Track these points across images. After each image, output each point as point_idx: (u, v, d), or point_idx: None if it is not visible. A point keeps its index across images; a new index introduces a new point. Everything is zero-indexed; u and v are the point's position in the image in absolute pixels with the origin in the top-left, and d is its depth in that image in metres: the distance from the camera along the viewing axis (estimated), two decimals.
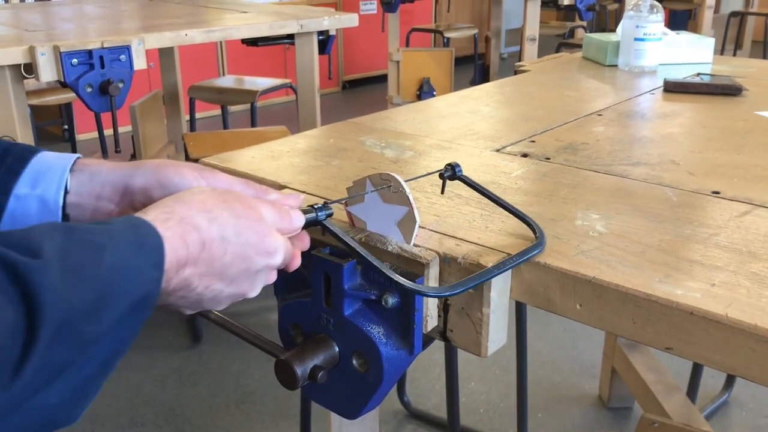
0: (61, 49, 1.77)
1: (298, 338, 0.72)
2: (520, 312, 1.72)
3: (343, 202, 0.71)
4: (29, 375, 0.41)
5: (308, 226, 0.64)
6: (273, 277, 0.62)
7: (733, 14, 5.79)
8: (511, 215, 0.73)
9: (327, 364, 0.68)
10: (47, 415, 0.45)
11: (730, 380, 2.08)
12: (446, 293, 0.60)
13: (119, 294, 0.47)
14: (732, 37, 5.78)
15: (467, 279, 0.60)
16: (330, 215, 0.65)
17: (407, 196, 0.66)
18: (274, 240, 0.59)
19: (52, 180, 0.63)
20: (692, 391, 1.92)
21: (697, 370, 1.93)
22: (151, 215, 0.53)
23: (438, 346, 0.68)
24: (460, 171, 0.76)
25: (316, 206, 0.65)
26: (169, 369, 2.26)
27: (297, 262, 0.63)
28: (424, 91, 4.42)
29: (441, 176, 0.76)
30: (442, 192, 0.78)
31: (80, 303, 0.44)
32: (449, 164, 0.76)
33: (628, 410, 2.05)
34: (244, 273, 0.58)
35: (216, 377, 2.21)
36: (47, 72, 1.78)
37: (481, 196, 0.79)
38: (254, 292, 0.60)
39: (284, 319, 0.73)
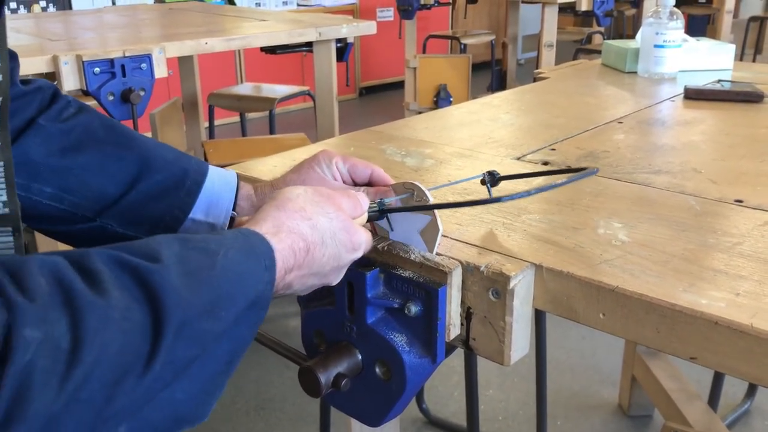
0: (84, 58, 1.80)
1: (321, 346, 0.73)
2: (539, 320, 1.71)
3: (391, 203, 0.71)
4: (158, 368, 0.45)
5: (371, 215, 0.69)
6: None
7: (753, 19, 5.75)
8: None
9: (350, 372, 0.68)
10: (176, 411, 0.48)
11: (752, 389, 2.06)
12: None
13: (235, 294, 0.50)
14: (752, 41, 5.74)
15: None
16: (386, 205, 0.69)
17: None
18: (360, 236, 0.64)
19: (221, 211, 0.76)
20: (713, 400, 1.90)
21: (718, 378, 1.91)
22: (262, 227, 0.57)
23: (456, 353, 0.68)
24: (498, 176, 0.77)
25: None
26: None
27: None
28: (441, 97, 4.42)
29: (483, 183, 0.77)
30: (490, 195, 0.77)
31: (199, 302, 0.48)
32: (489, 171, 0.77)
33: (648, 418, 2.04)
34: (335, 268, 0.63)
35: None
36: (70, 81, 1.81)
37: (503, 204, 0.80)
38: (338, 281, 0.65)
39: (307, 326, 0.73)
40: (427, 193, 0.67)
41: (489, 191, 0.72)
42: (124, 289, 0.45)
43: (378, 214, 0.69)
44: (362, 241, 0.64)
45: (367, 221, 0.68)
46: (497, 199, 0.68)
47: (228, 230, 0.57)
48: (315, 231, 0.60)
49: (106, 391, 0.43)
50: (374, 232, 0.72)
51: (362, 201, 0.67)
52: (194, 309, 0.47)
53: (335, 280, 0.65)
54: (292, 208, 0.60)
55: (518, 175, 0.73)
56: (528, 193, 0.66)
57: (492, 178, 0.77)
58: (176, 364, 0.46)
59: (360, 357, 0.69)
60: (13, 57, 0.69)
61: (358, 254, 0.65)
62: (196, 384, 0.49)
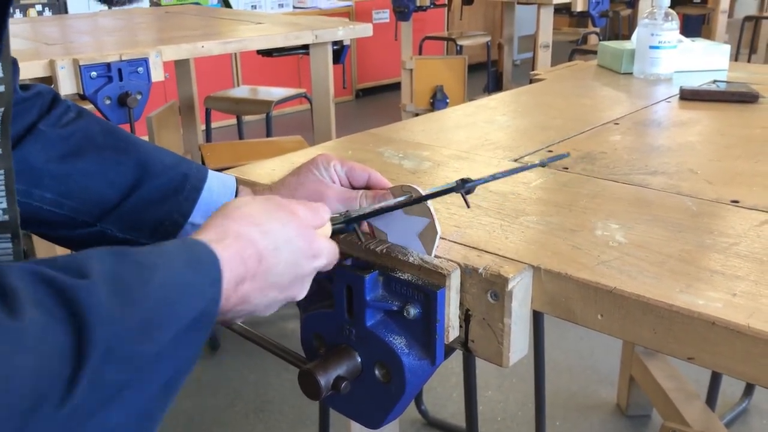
0: (80, 63, 1.80)
1: (320, 349, 0.73)
2: (537, 321, 1.72)
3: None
4: (81, 394, 0.41)
5: (335, 226, 0.67)
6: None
7: (748, 18, 5.76)
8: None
9: (350, 375, 0.68)
10: None
11: (749, 387, 2.07)
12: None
13: (173, 313, 0.47)
14: (746, 41, 5.75)
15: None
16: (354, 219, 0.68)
17: (428, 208, 0.67)
18: (320, 243, 0.62)
19: None
20: (711, 399, 1.91)
21: (716, 378, 1.91)
22: (206, 236, 0.54)
23: (455, 354, 0.68)
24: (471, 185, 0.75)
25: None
26: (187, 378, 2.26)
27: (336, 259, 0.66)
28: (438, 98, 4.43)
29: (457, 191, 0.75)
30: (468, 206, 0.76)
31: (131, 322, 0.44)
32: (461, 179, 0.75)
33: (646, 418, 2.04)
34: (295, 278, 0.60)
35: (234, 386, 2.22)
36: (67, 85, 1.81)
37: (501, 207, 0.80)
38: (303, 294, 0.62)
39: (307, 329, 0.74)
40: (423, 194, 0.67)
41: (465, 201, 0.70)
42: (43, 307, 0.41)
43: (344, 225, 0.68)
44: (323, 248, 0.62)
45: (335, 233, 0.67)
46: (465, 184, 0.67)
47: (172, 241, 0.52)
48: (266, 236, 0.56)
49: (17, 422, 0.39)
50: (372, 234, 0.72)
51: (322, 211, 0.64)
52: (125, 330, 0.43)
53: (300, 293, 0.61)
54: (239, 215, 0.57)
55: (489, 177, 0.70)
56: (494, 177, 0.67)
57: (463, 185, 0.75)
58: (104, 390, 0.43)
59: (359, 359, 0.69)
60: (13, 63, 0.69)
61: (321, 262, 0.62)
62: (130, 410, 0.45)
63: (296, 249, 0.59)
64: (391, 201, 0.69)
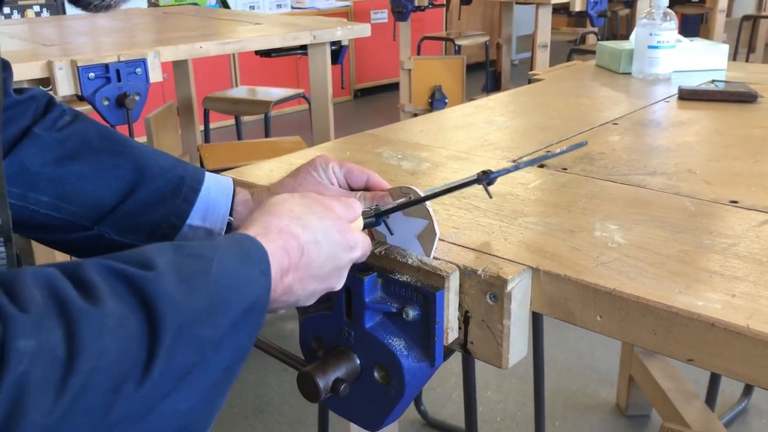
0: (78, 64, 1.80)
1: (319, 351, 0.73)
2: (536, 321, 1.71)
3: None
4: (157, 375, 0.45)
5: (366, 219, 0.68)
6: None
7: (746, 18, 5.76)
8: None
9: (349, 377, 0.68)
10: (179, 422, 0.48)
11: (748, 388, 2.06)
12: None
13: (231, 300, 0.50)
14: (745, 40, 5.75)
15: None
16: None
17: (427, 210, 0.67)
18: (354, 236, 0.64)
19: (218, 216, 0.77)
20: (711, 399, 1.91)
21: (715, 378, 1.91)
22: (252, 231, 0.57)
23: (454, 354, 0.68)
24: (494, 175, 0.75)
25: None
26: None
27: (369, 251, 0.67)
28: (436, 98, 4.43)
29: (478, 182, 0.75)
30: (490, 197, 0.75)
31: (195, 308, 0.48)
32: (483, 171, 0.75)
33: (645, 418, 2.04)
34: (334, 270, 0.62)
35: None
36: (65, 86, 1.81)
37: (499, 208, 0.80)
38: (340, 285, 0.64)
39: (306, 331, 0.74)
40: (422, 195, 0.67)
41: (487, 191, 0.70)
42: (119, 297, 0.45)
43: (375, 219, 0.68)
44: (358, 240, 0.64)
45: (365, 227, 0.68)
46: (487, 177, 0.67)
47: (221, 236, 0.57)
48: (306, 230, 0.59)
49: (105, 400, 0.43)
50: (372, 236, 0.72)
51: (354, 205, 0.66)
52: (190, 315, 0.47)
53: (338, 283, 0.64)
54: (280, 211, 0.60)
55: (512, 168, 0.71)
56: (517, 167, 0.68)
57: (486, 177, 0.75)
58: (175, 371, 0.46)
59: (358, 362, 0.69)
60: (5, 66, 0.69)
61: (356, 254, 0.64)
62: (196, 393, 0.48)
63: (334, 242, 0.61)
64: (420, 193, 0.68)
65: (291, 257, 0.57)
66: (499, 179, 0.68)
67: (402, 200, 0.69)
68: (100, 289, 0.45)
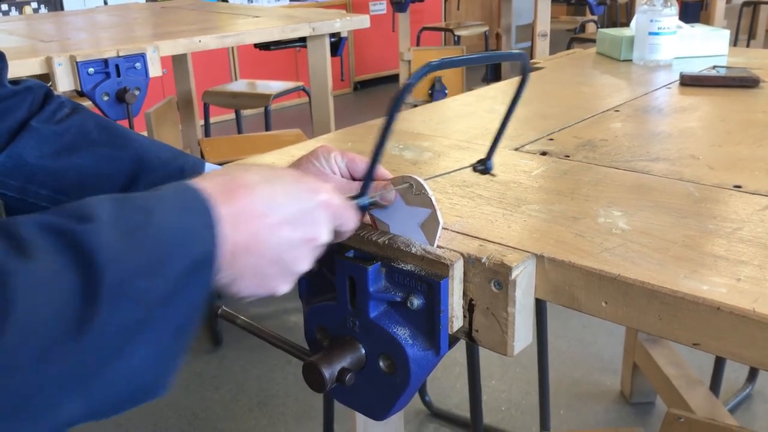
0: (78, 59, 1.80)
1: (324, 341, 0.73)
2: (540, 309, 1.72)
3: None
4: (98, 331, 0.43)
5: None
6: (332, 219, 0.61)
7: (746, 4, 5.74)
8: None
9: (354, 367, 0.68)
10: (133, 380, 0.47)
11: (753, 373, 2.07)
12: None
13: (175, 253, 0.48)
14: (745, 27, 5.73)
15: None
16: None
17: (430, 198, 0.67)
18: (314, 181, 0.60)
19: None
20: (715, 385, 1.91)
21: (719, 364, 1.92)
22: (198, 183, 0.54)
23: (458, 344, 0.68)
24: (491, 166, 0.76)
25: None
26: (191, 373, 2.27)
27: (352, 219, 0.63)
28: (436, 89, 4.42)
29: (474, 170, 0.77)
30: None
31: (137, 261, 0.46)
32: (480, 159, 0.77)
33: (650, 405, 2.05)
34: (303, 213, 0.58)
35: (238, 380, 2.22)
36: (64, 82, 1.81)
37: (502, 196, 0.80)
38: (324, 233, 0.59)
39: (310, 322, 0.73)
40: (425, 185, 0.67)
41: (489, 166, 0.71)
42: (54, 252, 0.43)
43: (365, 202, 0.67)
44: (319, 185, 0.60)
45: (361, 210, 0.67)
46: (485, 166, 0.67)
47: (165, 186, 0.52)
48: (256, 173, 0.56)
49: (38, 357, 0.41)
50: (374, 226, 0.72)
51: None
52: (133, 269, 0.45)
53: (318, 230, 0.58)
54: (230, 167, 0.57)
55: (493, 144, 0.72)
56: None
57: (484, 168, 0.76)
58: (120, 327, 0.45)
59: (363, 351, 0.69)
60: (0, 58, 0.69)
61: (323, 195, 0.59)
62: (149, 350, 0.47)
63: (289, 183, 0.58)
64: (422, 182, 0.67)
65: (240, 200, 0.54)
66: (500, 168, 0.68)
67: (412, 197, 0.68)
68: (33, 244, 0.43)
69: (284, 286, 0.59)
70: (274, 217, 0.55)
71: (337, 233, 0.63)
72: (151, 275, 0.46)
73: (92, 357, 0.44)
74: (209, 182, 0.54)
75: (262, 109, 3.34)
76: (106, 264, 0.44)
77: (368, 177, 0.67)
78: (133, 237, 0.46)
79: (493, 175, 0.73)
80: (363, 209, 0.68)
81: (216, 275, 0.51)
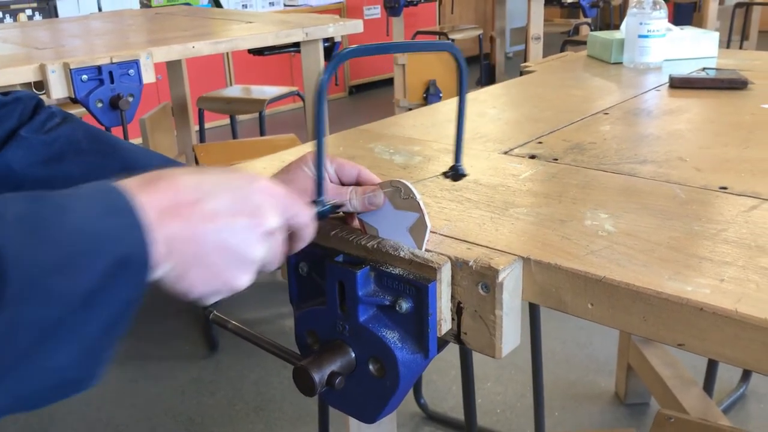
0: (71, 66, 1.80)
1: (314, 345, 0.73)
2: (533, 312, 1.72)
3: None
4: (4, 332, 0.43)
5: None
6: (275, 209, 0.58)
7: (739, 5, 5.76)
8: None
9: (344, 370, 0.69)
10: (59, 376, 0.47)
11: (746, 373, 2.08)
12: None
13: (95, 250, 0.47)
14: (738, 28, 5.75)
15: None
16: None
17: (418, 203, 0.68)
18: (249, 173, 0.58)
19: None
20: (709, 385, 1.92)
21: (713, 364, 1.92)
22: (126, 183, 0.52)
23: (453, 347, 0.69)
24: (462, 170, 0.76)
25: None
26: (187, 379, 2.28)
27: (303, 211, 0.62)
28: (431, 93, 4.43)
29: (445, 176, 0.77)
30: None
31: (49, 259, 0.45)
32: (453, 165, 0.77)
33: (644, 406, 2.05)
34: (239, 198, 0.55)
35: (234, 385, 2.23)
36: (58, 89, 1.81)
37: (490, 199, 0.80)
38: (269, 218, 0.57)
39: (300, 326, 0.74)
40: (413, 189, 0.67)
41: (460, 170, 0.72)
42: None
43: (326, 207, 0.66)
44: (255, 175, 0.58)
45: (320, 217, 0.66)
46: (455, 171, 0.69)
47: (85, 185, 0.51)
48: (185, 171, 0.55)
49: None
50: (364, 231, 0.73)
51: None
52: (42, 267, 0.44)
53: (261, 214, 0.56)
54: (164, 170, 0.55)
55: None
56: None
57: (455, 173, 0.77)
58: (33, 326, 0.44)
59: (353, 355, 0.69)
60: None
61: (261, 182, 0.58)
62: (74, 348, 0.47)
63: (218, 174, 0.56)
64: (411, 186, 0.68)
65: (164, 190, 0.52)
66: (489, 171, 0.68)
67: (399, 201, 0.69)
68: None
69: (242, 278, 0.57)
70: (206, 203, 0.53)
71: (295, 232, 0.62)
72: (66, 274, 0.45)
73: (4, 354, 0.43)
74: (131, 179, 0.52)
75: (256, 115, 3.35)
76: (9, 263, 0.43)
77: (318, 176, 0.66)
78: (44, 235, 0.45)
79: (466, 175, 0.74)
80: (322, 213, 0.66)
81: (151, 271, 0.50)
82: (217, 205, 0.54)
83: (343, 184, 0.76)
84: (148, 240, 0.49)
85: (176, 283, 0.54)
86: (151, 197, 0.51)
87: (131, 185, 0.52)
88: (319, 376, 0.66)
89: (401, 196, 0.69)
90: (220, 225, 0.54)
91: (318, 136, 0.64)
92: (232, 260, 0.55)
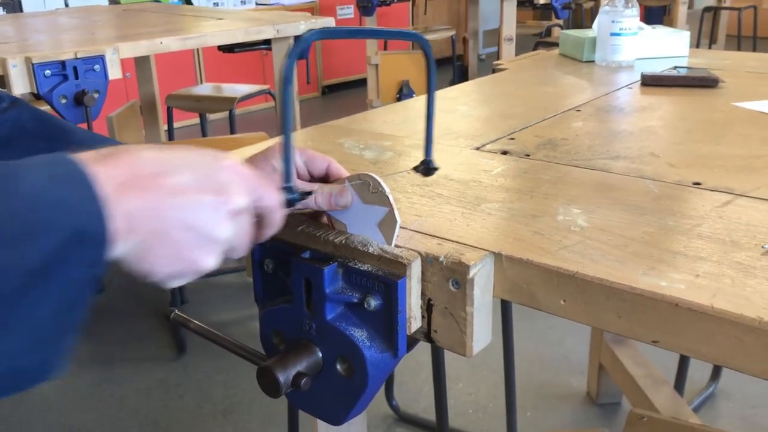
0: (33, 61, 1.75)
1: (280, 345, 0.71)
2: (505, 311, 1.71)
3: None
4: None
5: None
6: (242, 187, 0.55)
7: (707, 9, 5.84)
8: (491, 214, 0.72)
9: (310, 371, 0.66)
10: (11, 362, 0.43)
11: (716, 372, 2.09)
12: None
13: (47, 221, 0.43)
14: (706, 32, 5.83)
15: None
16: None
17: (387, 196, 0.66)
18: (216, 152, 0.55)
19: None
20: (680, 384, 1.93)
21: (683, 363, 1.93)
22: (83, 156, 0.49)
23: (425, 348, 0.68)
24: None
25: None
26: (153, 381, 2.23)
27: (272, 194, 0.59)
28: (404, 93, 4.42)
29: (416, 170, 0.75)
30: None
31: None
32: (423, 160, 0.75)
33: (616, 405, 2.05)
34: (204, 176, 0.52)
35: (202, 388, 2.18)
36: (20, 84, 1.76)
37: (462, 195, 0.79)
38: (237, 196, 0.54)
39: (266, 326, 0.72)
40: (382, 182, 0.65)
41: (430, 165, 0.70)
42: None
43: (296, 195, 0.63)
44: (222, 154, 0.55)
45: (288, 204, 0.63)
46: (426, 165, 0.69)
47: (37, 156, 0.48)
48: (146, 147, 0.51)
49: None
50: (332, 226, 0.71)
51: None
52: None
53: (220, 191, 0.53)
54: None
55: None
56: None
57: (426, 167, 0.75)
58: None
59: (320, 354, 0.67)
60: None
61: (227, 161, 0.55)
62: (26, 329, 0.43)
63: (183, 151, 0.53)
64: (379, 180, 0.65)
65: (124, 163, 0.49)
66: (461, 167, 0.67)
67: (368, 195, 0.66)
68: None
69: (207, 259, 0.53)
70: (169, 177, 0.50)
71: (263, 218, 0.59)
72: (12, 247, 0.42)
73: None
74: (87, 153, 0.49)
75: (227, 113, 3.30)
76: None
77: (286, 162, 0.62)
78: None
79: (437, 169, 0.72)
80: (291, 200, 0.62)
81: (109, 248, 0.46)
82: (181, 179, 0.50)
83: (313, 178, 0.73)
84: (105, 213, 0.46)
85: (137, 262, 0.50)
86: (109, 169, 0.48)
87: (86, 157, 0.48)
88: (284, 376, 0.64)
89: (370, 190, 0.67)
90: (184, 200, 0.50)
91: (284, 122, 0.61)
92: (196, 239, 0.51)
